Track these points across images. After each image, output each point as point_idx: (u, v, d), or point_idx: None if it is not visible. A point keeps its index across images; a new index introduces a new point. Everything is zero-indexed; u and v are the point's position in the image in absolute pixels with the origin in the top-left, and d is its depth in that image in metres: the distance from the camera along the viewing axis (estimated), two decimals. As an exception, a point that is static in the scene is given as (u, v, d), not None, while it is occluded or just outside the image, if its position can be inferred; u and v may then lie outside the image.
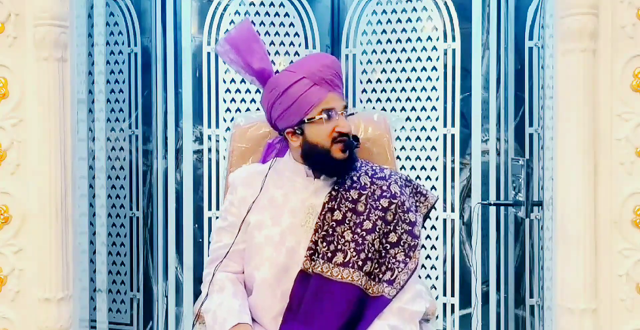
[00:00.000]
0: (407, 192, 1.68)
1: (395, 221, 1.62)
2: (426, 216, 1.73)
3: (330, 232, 1.60)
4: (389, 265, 1.59)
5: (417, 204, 1.70)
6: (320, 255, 1.59)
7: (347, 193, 1.63)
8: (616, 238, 1.71)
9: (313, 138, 1.60)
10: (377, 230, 1.59)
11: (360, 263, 1.57)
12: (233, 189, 1.72)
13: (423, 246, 2.63)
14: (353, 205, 1.62)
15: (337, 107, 1.59)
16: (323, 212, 1.61)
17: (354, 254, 1.58)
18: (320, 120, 1.58)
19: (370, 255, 1.58)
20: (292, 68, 1.64)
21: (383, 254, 1.60)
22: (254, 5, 2.68)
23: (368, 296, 1.57)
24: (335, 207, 1.62)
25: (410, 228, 1.62)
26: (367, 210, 1.62)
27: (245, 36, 1.68)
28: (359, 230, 1.60)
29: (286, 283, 1.59)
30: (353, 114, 1.66)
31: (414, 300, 1.59)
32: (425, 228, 2.62)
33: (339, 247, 1.59)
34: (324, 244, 1.59)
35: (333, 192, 1.64)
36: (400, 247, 1.60)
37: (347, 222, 1.61)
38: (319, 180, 1.65)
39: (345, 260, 1.58)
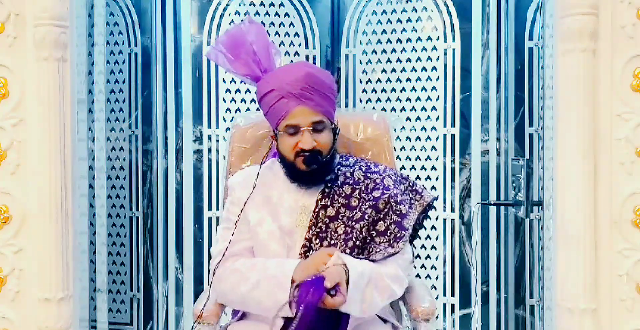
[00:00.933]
0: (401, 188, 1.69)
1: (386, 210, 1.62)
2: (424, 215, 1.72)
3: (324, 229, 1.62)
4: (371, 250, 1.60)
5: (412, 201, 1.70)
6: (314, 252, 1.59)
7: (340, 189, 1.65)
8: (616, 238, 1.71)
9: (281, 149, 1.63)
10: (367, 218, 1.60)
11: (347, 251, 1.58)
12: (231, 191, 1.74)
13: (423, 246, 2.63)
14: (346, 201, 1.64)
15: (302, 122, 1.57)
16: (316, 210, 1.63)
17: (343, 243, 1.59)
18: (285, 134, 1.60)
19: (357, 243, 1.59)
20: (267, 77, 1.65)
21: (368, 241, 1.61)
22: (254, 5, 2.68)
23: None
24: (329, 203, 1.63)
25: (399, 219, 1.62)
26: (360, 204, 1.63)
27: (231, 43, 1.68)
28: (351, 223, 1.61)
29: None
30: (322, 128, 1.60)
31: (394, 278, 1.59)
32: (425, 228, 2.62)
33: (332, 242, 1.60)
34: (317, 240, 1.61)
35: (326, 189, 1.65)
36: (386, 236, 1.61)
37: (340, 217, 1.62)
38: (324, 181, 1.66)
39: None
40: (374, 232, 1.61)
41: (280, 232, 1.64)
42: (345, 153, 1.83)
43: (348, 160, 1.73)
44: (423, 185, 1.76)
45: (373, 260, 1.59)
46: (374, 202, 1.62)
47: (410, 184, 1.72)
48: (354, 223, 1.61)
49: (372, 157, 1.86)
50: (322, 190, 1.65)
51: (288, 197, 1.67)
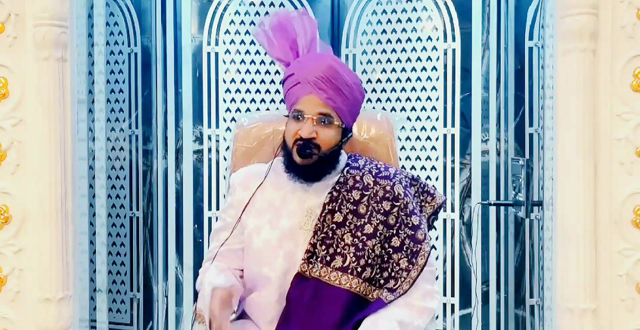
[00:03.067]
0: (411, 192, 1.65)
1: (398, 224, 1.59)
2: (433, 217, 1.69)
3: (330, 235, 1.58)
4: (392, 273, 1.57)
5: (423, 203, 1.67)
6: (319, 259, 1.56)
7: (349, 194, 1.61)
8: (616, 238, 1.71)
9: (285, 134, 1.60)
10: (378, 235, 1.57)
11: (359, 269, 1.55)
12: (232, 191, 1.70)
13: (433, 247, 2.63)
14: (354, 207, 1.60)
15: (307, 110, 1.54)
16: (323, 214, 1.59)
17: (354, 259, 1.56)
18: (291, 119, 1.57)
19: (370, 261, 1.56)
20: (294, 62, 1.63)
21: (385, 259, 1.58)
22: (254, 5, 2.68)
23: (367, 301, 1.56)
24: (336, 208, 1.59)
25: (412, 232, 1.59)
26: (369, 213, 1.59)
27: (276, 25, 1.65)
28: (359, 234, 1.57)
29: (284, 286, 1.57)
30: (328, 123, 1.55)
31: (424, 297, 1.57)
32: (435, 228, 2.60)
33: (338, 250, 1.57)
34: (323, 247, 1.57)
35: (334, 193, 1.61)
36: (403, 252, 1.57)
37: (347, 224, 1.58)
38: (318, 181, 1.62)
39: (344, 265, 1.56)
40: (390, 249, 1.58)
41: (278, 239, 1.60)
42: (352, 153, 1.80)
43: (357, 162, 1.68)
44: (434, 186, 1.73)
45: (399, 292, 1.55)
46: (385, 218, 1.59)
47: (422, 185, 1.69)
48: (364, 238, 1.57)
49: (375, 157, 1.84)
50: (329, 193, 1.61)
51: (292, 198, 1.63)
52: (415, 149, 2.64)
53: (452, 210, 2.60)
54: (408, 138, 2.65)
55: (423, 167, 2.63)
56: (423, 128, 2.62)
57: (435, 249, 2.61)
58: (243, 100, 2.70)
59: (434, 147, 2.60)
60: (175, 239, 2.70)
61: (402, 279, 1.56)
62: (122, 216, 2.76)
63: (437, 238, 2.62)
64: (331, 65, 1.56)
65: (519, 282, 2.59)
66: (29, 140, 1.82)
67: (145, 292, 2.75)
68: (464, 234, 2.59)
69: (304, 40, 1.63)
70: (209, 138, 2.68)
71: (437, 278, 2.58)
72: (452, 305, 2.60)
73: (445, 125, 2.58)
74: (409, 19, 2.62)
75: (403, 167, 2.64)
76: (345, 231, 1.58)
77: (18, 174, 1.83)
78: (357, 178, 1.63)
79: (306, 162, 1.56)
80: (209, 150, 2.68)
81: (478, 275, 2.54)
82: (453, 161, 2.58)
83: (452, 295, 2.60)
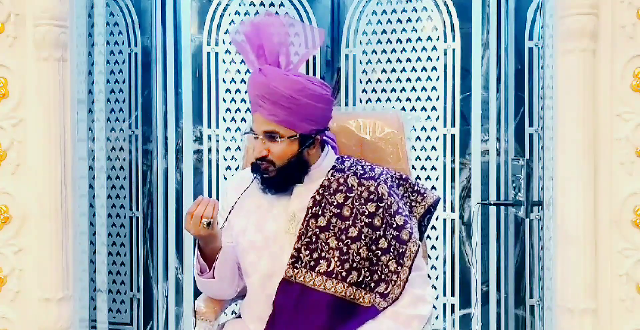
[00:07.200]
0: (399, 192, 1.64)
1: (383, 226, 1.58)
2: (428, 216, 1.68)
3: (314, 239, 1.57)
4: (382, 276, 1.56)
5: (413, 203, 1.66)
6: (303, 264, 1.56)
7: (333, 197, 1.61)
8: (616, 238, 1.71)
9: None
10: (363, 238, 1.56)
11: (344, 274, 1.55)
12: (224, 194, 1.74)
13: (433, 247, 2.63)
14: (338, 210, 1.59)
15: (256, 130, 1.59)
16: (307, 218, 1.59)
17: (338, 263, 1.55)
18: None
19: (355, 264, 1.55)
20: None
21: (374, 261, 1.57)
22: (254, 5, 2.68)
23: (357, 305, 1.55)
24: (319, 212, 1.59)
25: (397, 233, 1.58)
26: (353, 215, 1.58)
27: (245, 32, 1.63)
28: (343, 237, 1.57)
29: (270, 289, 1.58)
30: (276, 138, 1.57)
31: (413, 304, 1.56)
32: (435, 228, 2.61)
33: (323, 254, 1.56)
34: (307, 251, 1.57)
35: (317, 197, 1.61)
36: (390, 253, 1.57)
37: (331, 228, 1.58)
38: (301, 185, 1.63)
39: (329, 270, 1.55)
40: (378, 251, 1.57)
41: (263, 241, 1.61)
42: (358, 154, 1.79)
43: (343, 164, 1.67)
44: (427, 187, 1.72)
45: (392, 297, 1.54)
46: (370, 220, 1.58)
47: (412, 185, 1.68)
48: (349, 241, 1.56)
49: (386, 156, 1.82)
50: (312, 197, 1.61)
51: (278, 203, 1.64)
52: (415, 149, 2.63)
53: (452, 210, 2.60)
54: (408, 138, 2.64)
55: (423, 167, 2.63)
56: (423, 128, 2.62)
57: (436, 249, 2.61)
58: (243, 100, 2.70)
59: (434, 147, 2.60)
60: (175, 239, 2.70)
61: (393, 283, 1.55)
62: (122, 216, 2.76)
63: (437, 238, 2.62)
64: (262, 82, 1.56)
65: (519, 282, 2.59)
66: (29, 140, 1.82)
67: (145, 292, 2.75)
68: (464, 234, 2.59)
69: (270, 45, 1.61)
70: (209, 138, 2.68)
71: (437, 278, 2.59)
72: (452, 305, 2.60)
73: (445, 125, 2.58)
74: (409, 19, 2.62)
75: (413, 167, 2.63)
76: (330, 235, 1.57)
77: (18, 174, 1.83)
78: (341, 180, 1.63)
79: (268, 177, 1.60)
80: (209, 150, 2.68)
81: (478, 275, 2.54)
82: (453, 161, 2.58)
83: (452, 295, 2.60)
